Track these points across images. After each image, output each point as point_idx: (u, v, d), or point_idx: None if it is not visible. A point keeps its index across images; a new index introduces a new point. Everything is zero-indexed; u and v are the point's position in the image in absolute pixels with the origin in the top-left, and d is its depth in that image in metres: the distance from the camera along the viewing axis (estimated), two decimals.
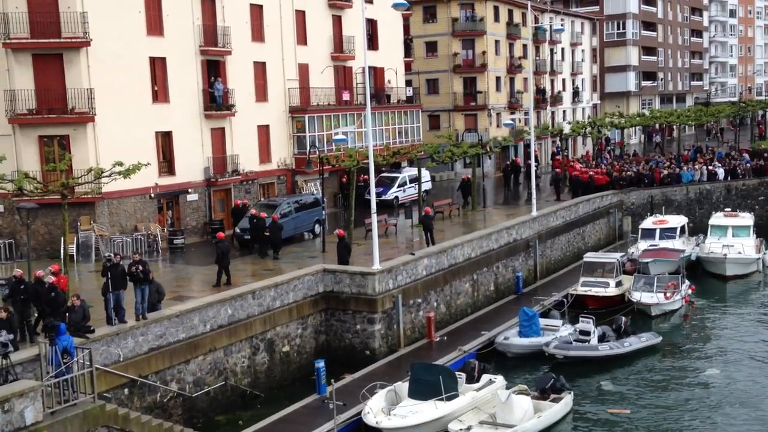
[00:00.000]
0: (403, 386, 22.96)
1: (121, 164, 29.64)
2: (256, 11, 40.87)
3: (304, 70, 44.19)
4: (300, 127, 43.49)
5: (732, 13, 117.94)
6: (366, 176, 37.91)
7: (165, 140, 36.02)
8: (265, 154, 41.65)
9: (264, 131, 41.61)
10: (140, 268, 21.57)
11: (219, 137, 38.68)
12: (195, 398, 22.17)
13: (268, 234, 32.91)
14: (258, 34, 41.02)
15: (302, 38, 44.06)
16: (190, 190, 36.89)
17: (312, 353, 26.48)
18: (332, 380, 21.96)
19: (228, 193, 39.12)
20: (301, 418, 21.68)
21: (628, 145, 71.25)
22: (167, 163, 36.17)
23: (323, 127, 44.13)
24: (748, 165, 51.72)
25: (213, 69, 38.42)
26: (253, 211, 34.87)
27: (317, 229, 36.59)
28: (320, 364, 23.47)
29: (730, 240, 39.71)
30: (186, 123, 36.74)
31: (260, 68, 41.19)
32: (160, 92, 35.71)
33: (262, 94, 41.36)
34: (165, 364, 21.49)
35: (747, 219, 41.76)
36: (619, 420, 23.07)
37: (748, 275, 39.05)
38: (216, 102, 37.96)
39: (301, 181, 43.83)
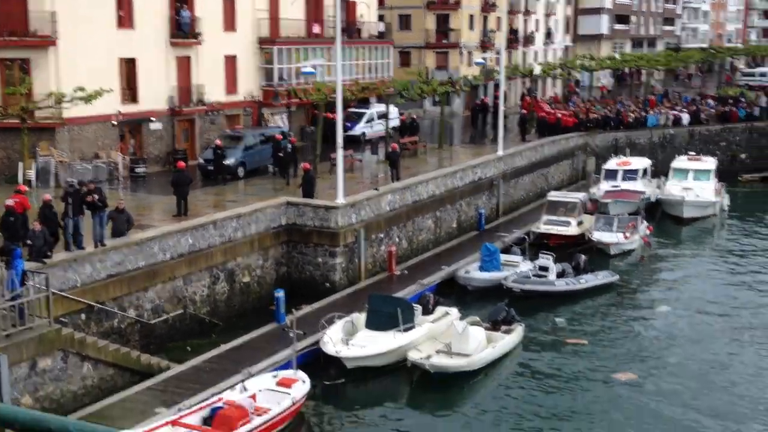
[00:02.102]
0: (360, 317, 23.30)
1: (82, 90, 29.28)
2: None
3: (274, 0, 43.37)
4: (268, 59, 42.88)
5: None
6: (334, 113, 37.68)
7: (129, 67, 35.35)
8: (231, 85, 41.09)
9: (231, 62, 40.98)
10: (96, 196, 21.44)
11: (184, 66, 38.05)
12: (153, 325, 22.31)
13: (282, 156, 33.84)
14: None
15: None
16: (153, 119, 36.42)
17: (272, 284, 26.65)
18: (293, 309, 22.18)
19: (192, 123, 38.69)
20: (260, 345, 21.95)
21: (597, 88, 71.25)
22: (130, 91, 35.57)
23: (292, 60, 43.55)
24: (713, 111, 52.17)
25: None
26: (217, 142, 34.61)
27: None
28: (280, 293, 23.70)
29: (691, 183, 40.28)
30: (151, 50, 36.05)
31: None
32: (125, 18, 34.90)
33: (230, 23, 40.61)
34: (123, 290, 21.54)
35: (709, 163, 42.31)
36: (567, 351, 23.68)
37: (705, 218, 39.76)
38: (182, 30, 37.24)
39: (267, 114, 43.43)
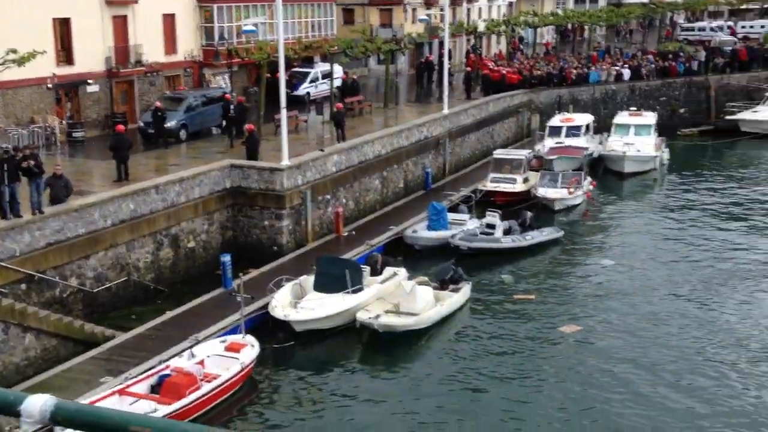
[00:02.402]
0: (308, 279, 23.23)
1: (14, 52, 28.21)
2: None
3: None
4: (208, 18, 41.88)
5: None
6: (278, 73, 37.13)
7: (63, 27, 34.15)
8: (170, 45, 40.06)
9: (170, 20, 39.89)
10: (32, 162, 20.82)
11: (121, 26, 36.91)
12: (96, 293, 21.89)
13: (232, 116, 33.29)
14: None
15: None
16: (90, 81, 35.37)
17: (218, 249, 26.34)
18: (240, 274, 21.96)
19: (131, 84, 37.70)
20: (208, 310, 21.76)
21: (540, 44, 71.51)
22: (65, 52, 34.41)
23: (233, 18, 42.62)
24: (653, 66, 52.79)
25: None
26: (157, 104, 33.82)
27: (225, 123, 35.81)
28: (226, 258, 23.47)
29: (632, 138, 40.85)
30: (85, 9, 34.84)
31: None
32: None
33: None
34: (64, 259, 21.04)
35: (649, 118, 42.90)
36: (514, 308, 24.02)
37: (645, 173, 40.45)
38: None
39: (209, 75, 42.55)
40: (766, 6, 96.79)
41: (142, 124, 34.15)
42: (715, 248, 29.48)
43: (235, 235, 27.30)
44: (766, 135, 48.01)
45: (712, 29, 79.27)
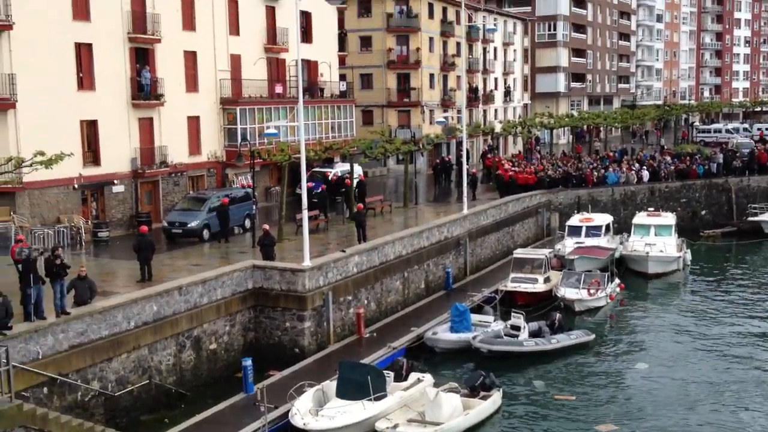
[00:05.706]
0: (331, 385, 22.73)
1: (42, 154, 28.63)
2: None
3: (236, 61, 43.51)
4: (231, 119, 42.81)
5: (659, 18, 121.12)
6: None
7: (90, 129, 34.99)
8: (194, 145, 40.85)
9: (194, 122, 40.80)
10: (58, 262, 20.87)
11: (147, 127, 37.76)
12: (118, 397, 21.51)
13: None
14: (189, 23, 40.17)
15: (235, 28, 43.37)
16: (116, 182, 35.90)
17: (240, 351, 26.03)
18: (265, 374, 21.33)
19: (156, 185, 38.22)
20: (228, 418, 21.25)
21: (557, 145, 72.36)
22: (92, 153, 35.14)
23: (255, 120, 43.53)
24: (671, 167, 52.98)
25: (142, 57, 37.47)
26: (224, 200, 34.08)
27: (247, 223, 36.08)
28: (248, 362, 23.08)
29: (653, 239, 40.60)
30: (112, 112, 35.77)
31: (191, 57, 40.37)
32: (85, 79, 34.65)
33: (192, 84, 40.55)
34: (86, 362, 20.78)
35: (669, 219, 42.76)
36: (544, 413, 23.32)
37: (669, 273, 40.03)
38: (144, 91, 37.03)
39: (231, 174, 43.14)
40: None
41: (166, 224, 34.39)
42: (747, 351, 28.77)
43: (257, 336, 27.00)
44: None
45: (728, 131, 79.96)
